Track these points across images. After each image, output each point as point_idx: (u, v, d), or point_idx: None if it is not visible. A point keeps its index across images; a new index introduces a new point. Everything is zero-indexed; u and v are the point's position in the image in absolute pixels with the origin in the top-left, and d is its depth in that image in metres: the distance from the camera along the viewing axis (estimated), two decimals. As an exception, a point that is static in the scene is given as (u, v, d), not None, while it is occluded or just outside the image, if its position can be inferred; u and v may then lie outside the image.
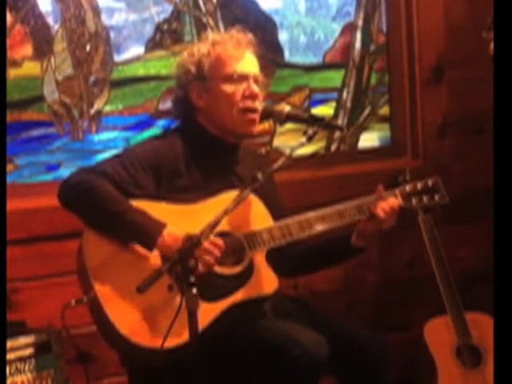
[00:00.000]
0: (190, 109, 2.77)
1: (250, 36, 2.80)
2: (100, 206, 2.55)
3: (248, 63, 2.76)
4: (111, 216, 2.54)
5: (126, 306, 2.51)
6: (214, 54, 2.73)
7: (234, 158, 2.81)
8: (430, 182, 2.91)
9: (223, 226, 2.60)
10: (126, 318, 2.51)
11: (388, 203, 2.75)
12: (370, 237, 2.79)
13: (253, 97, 2.72)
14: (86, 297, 2.57)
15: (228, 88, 2.71)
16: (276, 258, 2.73)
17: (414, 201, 2.87)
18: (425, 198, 2.89)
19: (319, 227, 2.74)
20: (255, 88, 2.73)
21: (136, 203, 2.59)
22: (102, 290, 2.52)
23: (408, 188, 2.88)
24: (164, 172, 2.65)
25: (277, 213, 2.76)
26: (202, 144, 2.75)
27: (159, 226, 2.54)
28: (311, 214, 2.75)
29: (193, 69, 2.74)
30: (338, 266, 2.96)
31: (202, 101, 2.75)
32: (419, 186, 2.89)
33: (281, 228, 2.71)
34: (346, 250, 2.82)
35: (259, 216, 2.72)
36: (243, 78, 2.72)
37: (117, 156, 2.71)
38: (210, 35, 2.82)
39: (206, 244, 2.45)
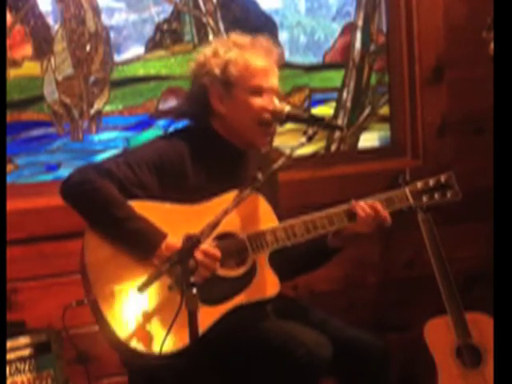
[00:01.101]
0: (206, 110, 2.72)
1: (279, 49, 2.77)
2: (102, 209, 2.54)
3: (274, 77, 2.72)
4: (112, 221, 2.53)
5: (126, 308, 2.49)
6: (243, 61, 2.67)
7: (241, 160, 2.78)
8: (443, 178, 2.84)
9: (228, 226, 2.59)
10: (125, 322, 2.49)
11: (370, 204, 2.70)
12: (348, 237, 2.75)
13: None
14: (87, 298, 2.55)
15: (253, 100, 2.67)
16: (274, 260, 2.71)
17: (424, 198, 2.81)
18: (436, 195, 2.83)
19: (325, 228, 2.70)
20: (277, 102, 2.70)
21: (140, 204, 2.57)
22: (101, 292, 2.50)
23: (419, 185, 2.82)
24: (168, 173, 2.63)
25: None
26: (211, 146, 2.72)
27: (159, 237, 2.52)
28: (316, 215, 2.71)
29: (217, 71, 2.67)
30: (319, 268, 2.89)
31: (223, 106, 2.70)
32: (431, 182, 2.83)
33: (285, 229, 2.68)
34: (324, 250, 2.79)
35: (265, 216, 2.70)
36: (269, 91, 2.69)
37: (122, 155, 2.69)
38: (236, 37, 2.75)
39: (198, 255, 2.40)
